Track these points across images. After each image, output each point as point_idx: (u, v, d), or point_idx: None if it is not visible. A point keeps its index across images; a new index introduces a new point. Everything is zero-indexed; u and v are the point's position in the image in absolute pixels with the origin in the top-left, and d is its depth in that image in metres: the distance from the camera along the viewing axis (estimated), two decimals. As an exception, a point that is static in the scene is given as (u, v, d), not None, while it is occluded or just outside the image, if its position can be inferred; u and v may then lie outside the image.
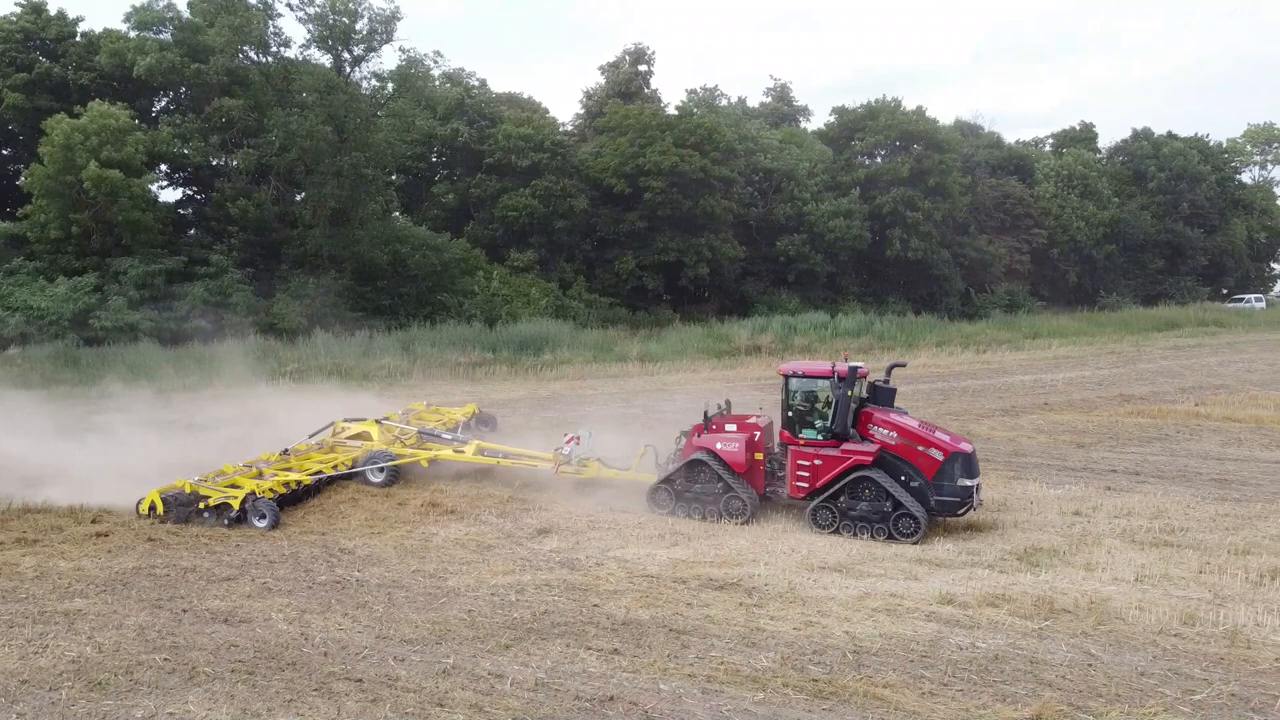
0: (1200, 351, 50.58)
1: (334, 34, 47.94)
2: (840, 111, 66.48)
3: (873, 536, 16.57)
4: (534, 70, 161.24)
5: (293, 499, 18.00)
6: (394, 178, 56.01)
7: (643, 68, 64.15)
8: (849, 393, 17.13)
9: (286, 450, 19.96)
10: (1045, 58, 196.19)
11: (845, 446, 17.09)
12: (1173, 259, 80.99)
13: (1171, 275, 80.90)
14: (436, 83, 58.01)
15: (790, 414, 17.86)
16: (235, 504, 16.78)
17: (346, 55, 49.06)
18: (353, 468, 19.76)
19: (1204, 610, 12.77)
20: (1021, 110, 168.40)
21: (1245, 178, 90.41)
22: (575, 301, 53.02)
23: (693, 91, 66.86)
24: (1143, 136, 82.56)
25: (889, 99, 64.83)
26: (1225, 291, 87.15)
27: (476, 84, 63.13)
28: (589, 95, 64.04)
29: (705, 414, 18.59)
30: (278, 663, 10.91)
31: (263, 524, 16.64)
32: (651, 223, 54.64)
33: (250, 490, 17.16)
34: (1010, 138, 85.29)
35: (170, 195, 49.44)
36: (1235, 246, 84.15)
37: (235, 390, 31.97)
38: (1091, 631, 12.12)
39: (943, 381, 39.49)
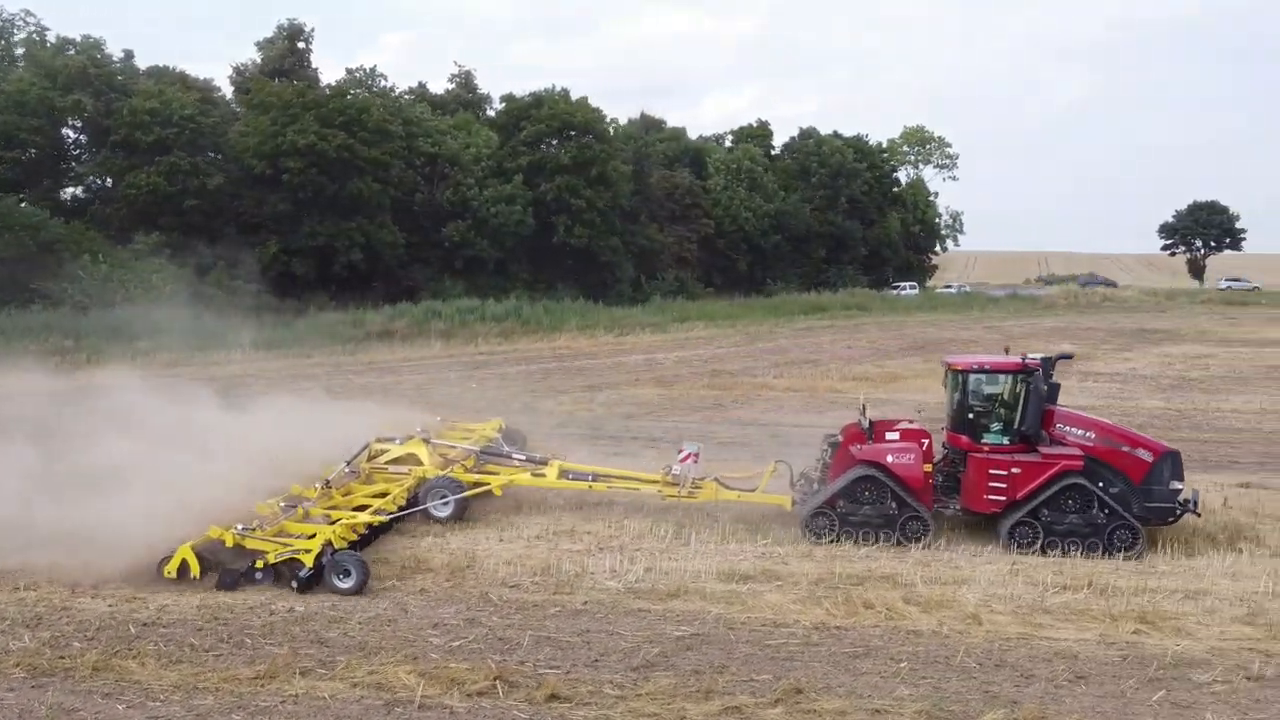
0: (825, 332, 54.53)
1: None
2: (509, 99, 66.52)
3: (1084, 553, 14.87)
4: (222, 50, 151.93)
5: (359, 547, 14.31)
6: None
7: (300, 45, 61.44)
8: (1042, 387, 15.46)
9: (328, 482, 15.86)
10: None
11: (1045, 450, 15.36)
12: (835, 249, 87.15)
13: (834, 264, 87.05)
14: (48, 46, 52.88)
15: (971, 415, 15.90)
16: (309, 559, 13.08)
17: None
18: (413, 502, 16.13)
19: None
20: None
21: (902, 175, 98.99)
22: (213, 288, 49.83)
23: (352, 71, 64.76)
24: (808, 135, 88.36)
25: (557, 89, 65.57)
26: (888, 279, 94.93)
27: (120, 55, 58.13)
28: (238, 71, 60.59)
29: (869, 422, 16.17)
30: None
31: (347, 584, 12.97)
32: (297, 206, 52.34)
33: (327, 540, 13.42)
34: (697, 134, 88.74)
35: None
36: (891, 238, 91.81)
37: None
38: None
39: (559, 362, 40.23)
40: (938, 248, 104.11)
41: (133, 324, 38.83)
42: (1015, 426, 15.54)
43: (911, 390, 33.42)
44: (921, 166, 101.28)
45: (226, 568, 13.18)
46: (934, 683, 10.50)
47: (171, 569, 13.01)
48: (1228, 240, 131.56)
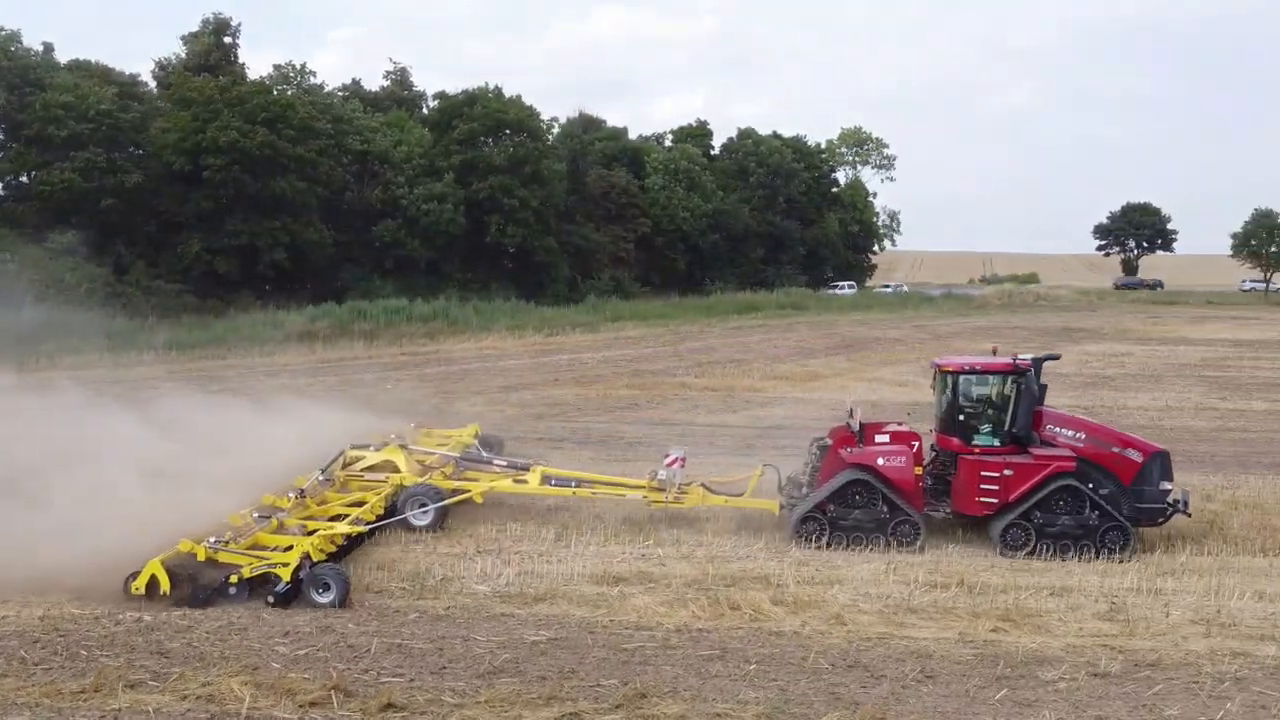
0: (756, 332, 54.65)
1: None
2: (442, 97, 65.89)
3: (1077, 555, 14.73)
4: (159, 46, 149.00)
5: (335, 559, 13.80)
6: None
7: (228, 39, 60.25)
8: (1034, 388, 15.31)
9: (303, 491, 15.31)
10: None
11: (1037, 452, 15.20)
12: (773, 249, 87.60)
13: (773, 264, 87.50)
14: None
15: (961, 417, 15.75)
16: (286, 573, 12.51)
17: None
18: (391, 511, 15.67)
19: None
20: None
21: (841, 176, 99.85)
22: (132, 288, 48.73)
23: (280, 68, 63.61)
24: (747, 135, 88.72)
25: (491, 86, 65.03)
26: (828, 278, 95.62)
27: (39, 48, 56.52)
28: (161, 66, 59.26)
29: (860, 425, 15.81)
30: None
31: (327, 598, 12.45)
32: (219, 204, 51.28)
33: (305, 552, 12.87)
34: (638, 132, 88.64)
35: None
36: (830, 238, 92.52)
37: None
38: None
39: (483, 362, 39.83)
40: (876, 247, 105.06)
41: (41, 325, 37.74)
42: (1006, 428, 15.44)
43: (830, 389, 33.62)
44: (860, 167, 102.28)
45: (199, 583, 12.59)
46: (782, 685, 10.39)
47: (139, 586, 12.39)
48: (1159, 241, 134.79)
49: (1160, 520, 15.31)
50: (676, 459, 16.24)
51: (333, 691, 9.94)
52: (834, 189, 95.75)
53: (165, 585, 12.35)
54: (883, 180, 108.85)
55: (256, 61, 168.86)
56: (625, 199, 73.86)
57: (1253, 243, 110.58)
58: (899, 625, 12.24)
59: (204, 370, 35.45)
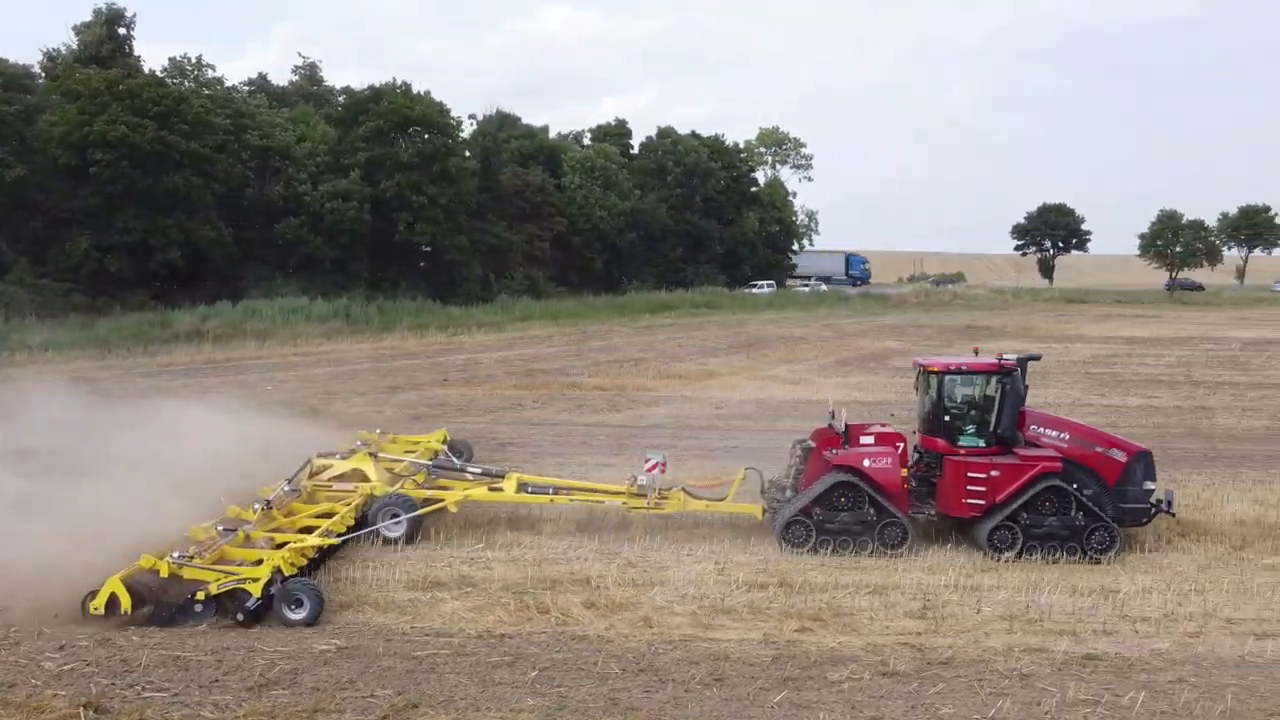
0: (664, 331, 54.59)
1: None
2: (348, 93, 64.65)
3: (1063, 556, 14.54)
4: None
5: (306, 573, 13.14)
6: None
7: (121, 30, 58.35)
8: (1020, 388, 15.10)
9: (269, 503, 14.61)
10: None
11: (1023, 453, 14.98)
12: (692, 248, 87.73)
13: (692, 263, 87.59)
14: None
15: (947, 418, 15.51)
16: (257, 589, 11.79)
17: None
18: (362, 521, 14.99)
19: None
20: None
21: (759, 176, 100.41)
22: (15, 286, 46.88)
23: (176, 60, 61.72)
24: (665, 134, 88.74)
25: (399, 82, 63.90)
26: (748, 277, 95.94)
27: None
28: (50, 57, 57.20)
29: (845, 426, 15.54)
30: None
31: (300, 615, 11.82)
32: (109, 200, 49.58)
33: (276, 566, 12.21)
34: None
35: None
36: (749, 237, 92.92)
37: None
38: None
39: (376, 363, 39.08)
40: (795, 246, 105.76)
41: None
42: (992, 429, 15.31)
43: (722, 388, 33.63)
44: (778, 167, 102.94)
45: (163, 601, 11.97)
46: (564, 691, 10.14)
47: (99, 604, 11.70)
48: (1074, 241, 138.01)
49: (1144, 520, 15.23)
50: (656, 464, 15.85)
51: (83, 709, 9.46)
52: (753, 188, 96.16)
53: (126, 604, 11.72)
54: (801, 180, 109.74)
55: (161, 54, 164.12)
56: (540, 197, 73.26)
57: (1158, 243, 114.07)
58: (706, 627, 12.09)
59: (78, 371, 34.11)
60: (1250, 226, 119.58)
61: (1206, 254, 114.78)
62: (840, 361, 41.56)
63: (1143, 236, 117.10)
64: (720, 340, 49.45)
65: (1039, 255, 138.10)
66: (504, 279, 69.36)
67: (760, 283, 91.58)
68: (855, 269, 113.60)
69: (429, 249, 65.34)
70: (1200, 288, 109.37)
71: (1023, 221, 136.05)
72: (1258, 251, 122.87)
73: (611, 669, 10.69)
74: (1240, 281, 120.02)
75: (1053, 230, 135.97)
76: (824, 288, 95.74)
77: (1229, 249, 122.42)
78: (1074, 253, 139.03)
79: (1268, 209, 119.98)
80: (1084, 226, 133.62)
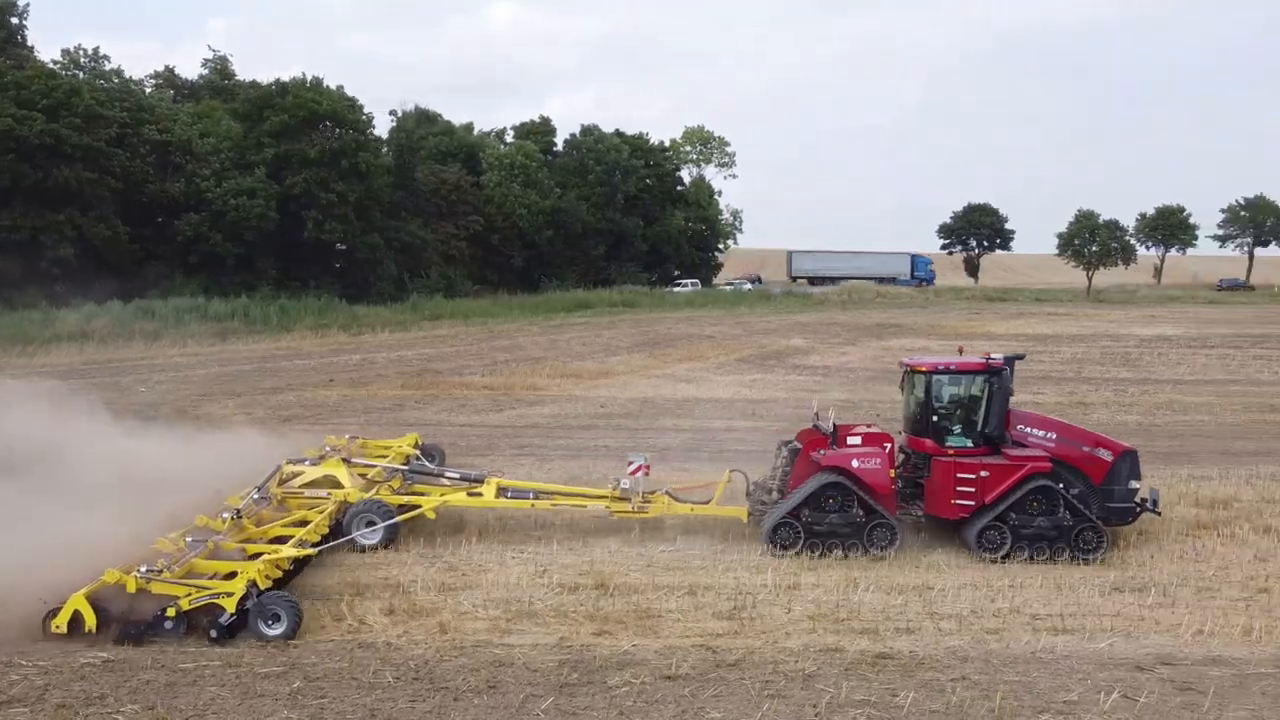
0: (574, 329, 54.21)
1: None
2: (254, 87, 63.24)
3: (1051, 557, 14.36)
4: None
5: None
6: None
7: (14, 20, 56.39)
8: (1008, 388, 14.90)
9: (238, 512, 13.85)
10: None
11: (1011, 453, 14.78)
12: (615, 246, 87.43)
13: (614, 261, 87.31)
14: None
15: (935, 418, 15.24)
16: (230, 604, 11.19)
17: None
18: (336, 530, 14.46)
19: None
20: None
21: (685, 174, 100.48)
22: (-109, 285, 45.04)
23: (70, 53, 59.68)
24: (589, 132, 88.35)
25: (309, 77, 62.71)
26: (675, 275, 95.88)
27: None
28: (-65, 47, 54.99)
29: (832, 427, 15.18)
30: None
31: (277, 630, 11.26)
32: (-6, 195, 47.91)
33: (251, 580, 11.52)
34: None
35: None
36: (674, 236, 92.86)
37: None
38: None
39: (264, 363, 38.17)
40: (724, 244, 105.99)
41: None
42: (980, 429, 15.17)
43: (614, 387, 33.44)
44: (704, 165, 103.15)
45: (129, 619, 11.31)
46: (326, 703, 9.77)
47: (60, 622, 11.07)
48: (999, 240, 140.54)
49: (1130, 519, 15.19)
50: (639, 467, 15.51)
51: None
52: (679, 187, 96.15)
53: (91, 622, 11.11)
54: (725, 178, 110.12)
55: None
56: (457, 195, 72.48)
57: (1075, 242, 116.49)
58: (504, 633, 11.78)
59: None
60: (1165, 227, 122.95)
61: (1122, 253, 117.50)
62: (741, 359, 41.57)
63: (1061, 236, 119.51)
64: (625, 339, 49.23)
65: (965, 254, 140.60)
66: (418, 278, 68.44)
67: (684, 281, 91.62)
68: (921, 270, 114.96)
69: (343, 248, 64.29)
70: (1250, 288, 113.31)
71: (949, 221, 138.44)
72: (1173, 251, 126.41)
73: (385, 678, 10.33)
74: (1158, 280, 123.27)
75: (977, 230, 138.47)
76: (748, 287, 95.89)
77: (1145, 248, 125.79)
78: (998, 252, 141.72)
79: (1183, 209, 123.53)
80: (1008, 226, 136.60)
